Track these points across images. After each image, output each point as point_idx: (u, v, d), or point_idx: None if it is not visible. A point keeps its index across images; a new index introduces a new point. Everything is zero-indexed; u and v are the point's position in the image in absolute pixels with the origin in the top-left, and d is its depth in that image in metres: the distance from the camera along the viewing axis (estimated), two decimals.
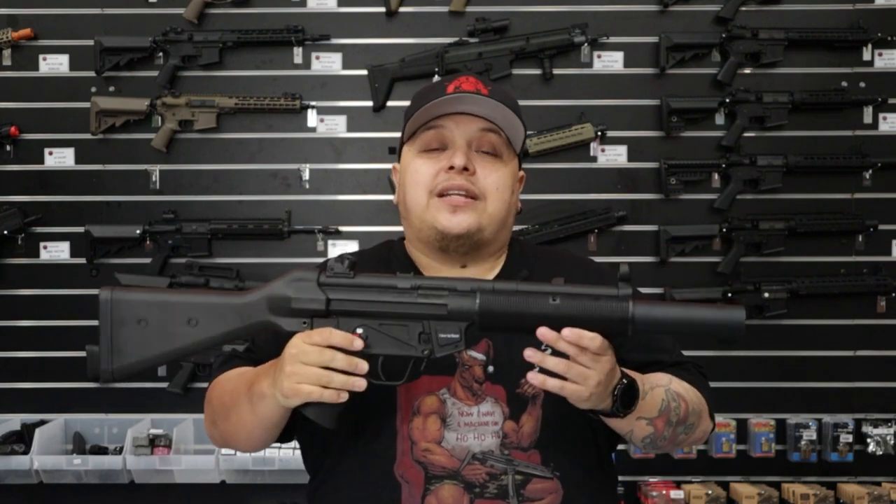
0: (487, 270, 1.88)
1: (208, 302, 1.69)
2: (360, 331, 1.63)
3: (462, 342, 1.62)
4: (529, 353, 1.56)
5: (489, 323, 1.60)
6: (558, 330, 1.55)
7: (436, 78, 3.88)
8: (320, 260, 2.03)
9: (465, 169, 1.79)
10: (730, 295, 3.88)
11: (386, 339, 1.63)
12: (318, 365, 1.58)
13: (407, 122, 1.86)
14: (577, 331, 1.54)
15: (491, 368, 1.77)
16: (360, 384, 1.59)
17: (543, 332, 1.54)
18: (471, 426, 1.74)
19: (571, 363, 1.55)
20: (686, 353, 1.95)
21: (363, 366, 1.59)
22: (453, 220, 1.78)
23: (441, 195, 1.80)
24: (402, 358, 1.64)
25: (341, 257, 1.66)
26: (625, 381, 1.63)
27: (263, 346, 1.86)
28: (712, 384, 1.91)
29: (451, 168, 1.79)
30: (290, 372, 1.59)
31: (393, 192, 1.95)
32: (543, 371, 1.57)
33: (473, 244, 1.82)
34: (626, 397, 1.63)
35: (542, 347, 1.74)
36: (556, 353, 1.60)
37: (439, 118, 1.81)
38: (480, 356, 1.78)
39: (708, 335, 1.63)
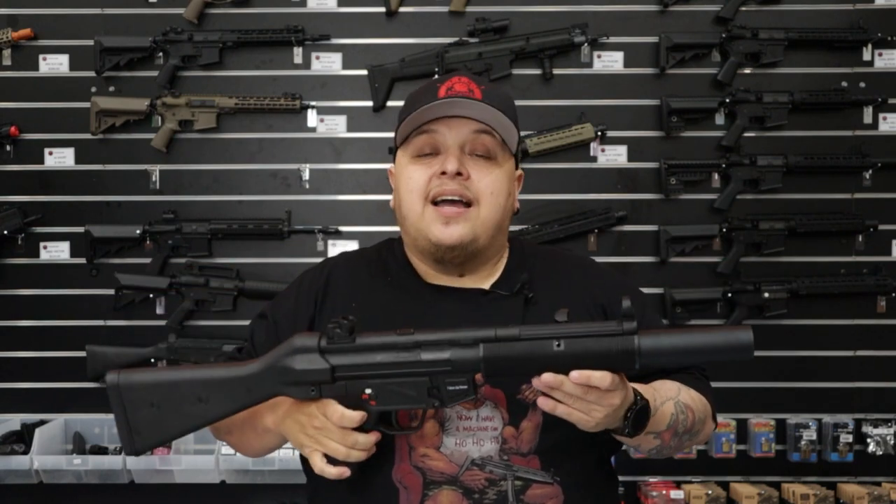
0: (486, 276, 1.87)
1: (215, 378, 1.70)
2: (368, 391, 1.64)
3: (471, 391, 1.62)
4: (537, 383, 1.55)
5: (494, 371, 1.60)
6: (565, 371, 1.53)
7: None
8: (320, 260, 2.02)
9: (459, 174, 1.77)
10: (730, 295, 3.88)
11: (395, 394, 1.64)
12: (342, 444, 1.64)
13: (400, 125, 1.84)
14: (585, 373, 1.52)
15: None
16: (372, 450, 1.67)
17: (547, 380, 1.53)
18: (469, 431, 1.73)
19: (577, 399, 1.54)
20: None
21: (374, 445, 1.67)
22: (446, 231, 1.77)
23: (435, 202, 1.78)
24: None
25: (338, 322, 1.65)
26: (637, 404, 1.62)
27: (261, 344, 1.86)
28: (713, 384, 1.91)
29: (444, 173, 1.77)
30: (313, 439, 1.66)
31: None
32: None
33: (469, 254, 1.80)
34: (639, 419, 1.62)
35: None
36: None
37: (431, 122, 1.79)
38: None
39: (717, 359, 1.61)
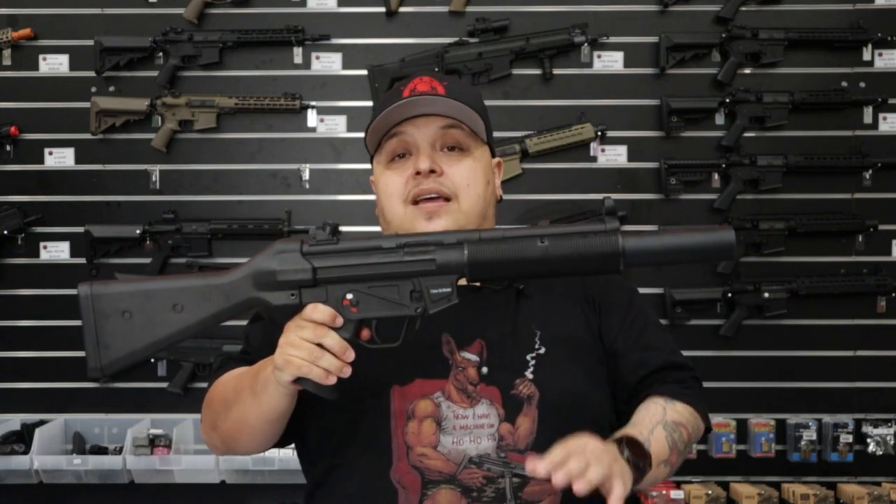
0: None
1: (192, 285, 1.66)
2: (350, 296, 1.61)
3: (454, 295, 1.61)
4: (530, 468, 1.51)
5: (479, 273, 1.59)
6: (550, 272, 1.56)
7: None
8: None
9: (433, 171, 1.78)
10: (730, 295, 3.88)
11: (378, 301, 1.61)
12: (312, 340, 1.57)
13: (367, 133, 1.85)
14: (553, 461, 1.48)
15: (485, 370, 1.76)
16: (346, 371, 1.58)
17: (532, 469, 1.49)
18: (466, 429, 1.73)
19: (564, 465, 1.49)
20: (686, 353, 1.93)
21: (350, 353, 1.58)
22: (430, 226, 1.78)
23: (415, 202, 1.80)
24: (397, 319, 1.63)
25: (323, 224, 1.64)
26: (625, 447, 1.59)
27: (258, 346, 1.85)
28: (712, 385, 1.91)
29: (419, 173, 1.78)
30: (283, 342, 1.60)
31: None
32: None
33: None
34: (637, 457, 1.59)
35: (537, 347, 1.75)
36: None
37: (399, 125, 1.81)
38: (474, 357, 1.77)
39: (700, 259, 1.62)
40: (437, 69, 3.89)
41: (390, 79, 3.94)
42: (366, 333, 1.64)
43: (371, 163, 1.92)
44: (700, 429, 1.83)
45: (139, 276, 3.78)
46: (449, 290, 1.60)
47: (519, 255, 1.56)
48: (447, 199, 1.79)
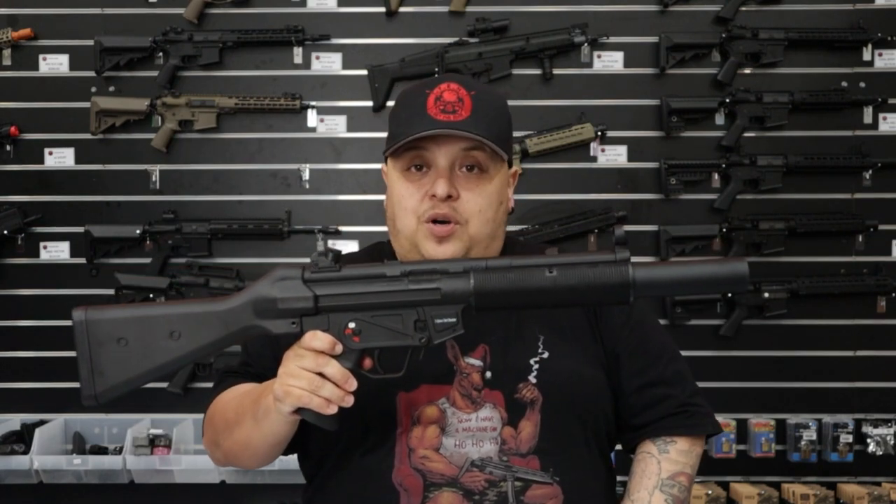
0: None
1: (189, 312, 1.63)
2: (352, 325, 1.58)
3: (459, 325, 1.59)
4: None
5: (486, 302, 1.56)
6: (558, 304, 1.53)
7: None
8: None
9: (449, 196, 1.75)
10: (730, 295, 3.88)
11: (381, 330, 1.59)
12: (312, 369, 1.56)
13: (389, 133, 1.83)
14: None
15: (489, 374, 1.76)
16: (348, 401, 1.57)
17: None
18: (469, 432, 1.73)
19: None
20: (686, 353, 1.94)
21: (353, 382, 1.57)
22: (439, 249, 1.75)
23: (427, 221, 1.77)
24: (401, 349, 1.61)
25: (325, 251, 1.61)
26: None
27: (258, 358, 1.85)
28: (712, 385, 1.91)
29: (434, 195, 1.75)
30: (282, 372, 1.58)
31: None
32: None
33: None
34: None
35: (540, 351, 1.75)
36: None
37: (420, 138, 1.77)
38: (478, 363, 1.76)
39: (712, 290, 1.60)
40: (437, 69, 3.89)
41: (390, 79, 3.95)
42: (368, 363, 1.61)
43: (385, 158, 1.88)
44: (700, 454, 1.86)
45: (135, 304, 3.78)
46: (454, 319, 1.58)
47: (526, 284, 1.54)
48: (459, 223, 1.77)
